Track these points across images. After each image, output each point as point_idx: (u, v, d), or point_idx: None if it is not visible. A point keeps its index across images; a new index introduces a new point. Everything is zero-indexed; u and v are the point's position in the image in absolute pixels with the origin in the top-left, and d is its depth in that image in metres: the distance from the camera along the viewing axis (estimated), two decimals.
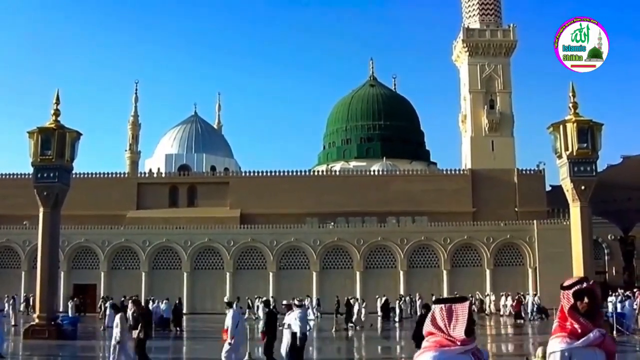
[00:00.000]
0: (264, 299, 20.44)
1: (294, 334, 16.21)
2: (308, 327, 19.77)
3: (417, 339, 15.82)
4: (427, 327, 3.67)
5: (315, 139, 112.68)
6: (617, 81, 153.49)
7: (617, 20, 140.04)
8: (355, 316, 34.64)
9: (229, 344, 14.58)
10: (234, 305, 16.31)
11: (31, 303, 44.71)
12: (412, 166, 68.48)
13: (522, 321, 38.64)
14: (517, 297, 41.68)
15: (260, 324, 23.35)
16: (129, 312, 18.20)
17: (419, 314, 17.47)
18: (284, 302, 18.73)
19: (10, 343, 24.60)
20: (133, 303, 18.52)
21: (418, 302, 40.75)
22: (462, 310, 3.61)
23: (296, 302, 17.66)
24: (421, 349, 3.63)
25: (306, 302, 34.48)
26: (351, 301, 36.75)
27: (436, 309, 3.67)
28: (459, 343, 3.55)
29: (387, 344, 30.55)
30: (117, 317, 15.82)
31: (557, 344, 3.81)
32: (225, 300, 15.78)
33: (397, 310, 41.03)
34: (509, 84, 64.52)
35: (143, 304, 34.81)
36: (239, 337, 15.36)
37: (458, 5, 68.92)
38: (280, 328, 17.09)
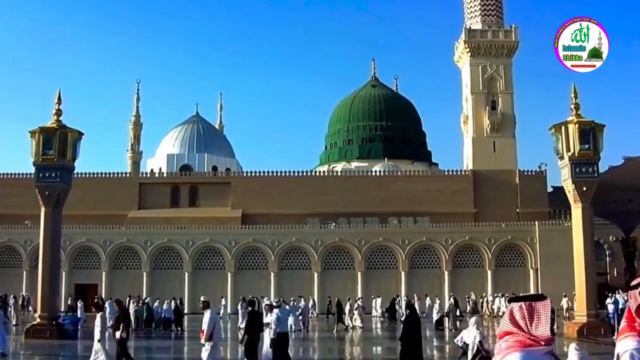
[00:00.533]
0: (249, 298, 20.25)
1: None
2: (290, 328, 19.74)
3: (404, 339, 15.79)
4: (505, 326, 3.49)
5: (316, 140, 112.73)
6: (618, 81, 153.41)
7: (617, 20, 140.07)
8: (346, 316, 34.70)
9: (209, 344, 14.61)
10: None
11: (26, 303, 44.77)
12: (413, 167, 68.49)
13: None
14: None
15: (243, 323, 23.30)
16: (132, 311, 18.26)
17: (406, 314, 17.37)
18: (266, 302, 18.67)
19: (12, 342, 24.62)
20: (115, 303, 18.61)
21: (417, 303, 40.60)
22: (543, 309, 3.43)
23: (273, 303, 17.55)
24: (503, 349, 3.44)
25: (302, 303, 34.49)
26: (342, 302, 36.53)
27: (514, 307, 3.48)
28: (542, 343, 3.38)
29: (388, 344, 30.47)
30: (98, 317, 15.95)
31: (628, 343, 3.63)
32: (202, 299, 15.63)
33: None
34: (511, 85, 64.47)
35: (141, 304, 35.11)
36: (217, 338, 15.33)
37: (460, 6, 69.02)
38: (265, 328, 17.11)
